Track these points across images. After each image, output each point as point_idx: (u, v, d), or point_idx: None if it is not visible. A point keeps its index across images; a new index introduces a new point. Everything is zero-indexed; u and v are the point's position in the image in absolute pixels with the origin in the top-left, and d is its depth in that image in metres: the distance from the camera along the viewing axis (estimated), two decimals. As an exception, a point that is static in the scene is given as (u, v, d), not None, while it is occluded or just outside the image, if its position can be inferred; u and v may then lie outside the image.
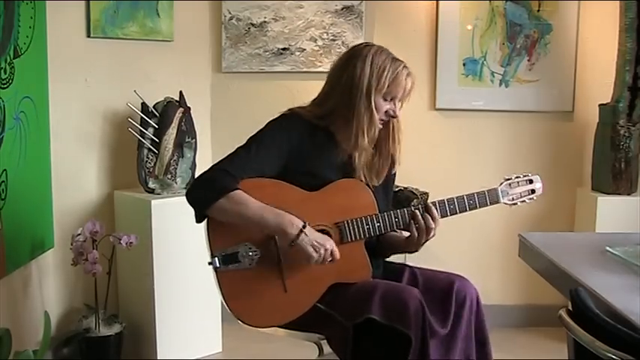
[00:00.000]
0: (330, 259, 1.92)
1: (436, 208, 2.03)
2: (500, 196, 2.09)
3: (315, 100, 2.10)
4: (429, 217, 2.02)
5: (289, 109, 2.08)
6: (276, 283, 1.95)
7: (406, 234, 2.09)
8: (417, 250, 2.09)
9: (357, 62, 2.00)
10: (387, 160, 2.12)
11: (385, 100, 2.01)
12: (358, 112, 1.99)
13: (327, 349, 2.06)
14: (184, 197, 1.97)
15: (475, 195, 2.07)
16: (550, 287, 1.74)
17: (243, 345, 3.18)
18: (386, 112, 2.03)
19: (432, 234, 2.03)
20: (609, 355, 1.19)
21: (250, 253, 1.93)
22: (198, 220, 1.95)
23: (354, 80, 1.99)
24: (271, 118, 2.05)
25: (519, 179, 2.13)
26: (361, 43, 2.13)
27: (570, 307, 1.38)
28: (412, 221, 2.02)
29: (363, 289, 1.94)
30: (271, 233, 1.92)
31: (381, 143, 2.10)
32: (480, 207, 2.07)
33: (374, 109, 1.99)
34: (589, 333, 1.27)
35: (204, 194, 1.90)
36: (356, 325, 1.88)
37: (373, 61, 2.00)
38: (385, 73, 1.99)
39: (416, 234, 2.02)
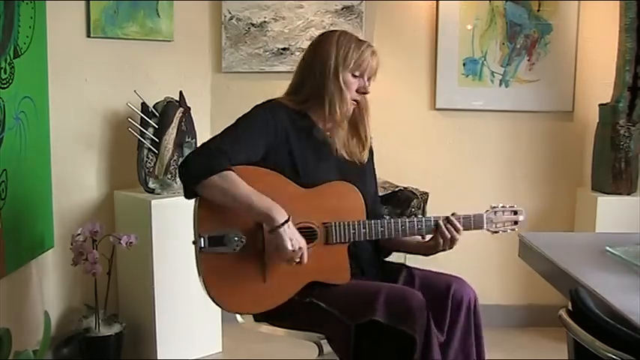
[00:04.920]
0: (298, 260, 1.94)
1: (422, 225, 2.08)
2: (485, 222, 2.14)
3: (288, 90, 2.18)
4: (453, 230, 2.07)
5: (269, 100, 2.15)
6: (257, 272, 1.97)
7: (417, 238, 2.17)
8: (432, 254, 2.16)
9: (323, 46, 2.12)
10: (362, 139, 2.20)
11: (355, 76, 2.10)
12: (329, 90, 2.08)
13: (327, 348, 2.07)
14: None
15: (461, 218, 2.11)
16: (550, 287, 1.74)
17: (243, 345, 3.18)
18: (357, 90, 2.11)
19: (455, 244, 2.10)
20: (609, 355, 1.19)
21: (236, 239, 1.96)
22: (189, 196, 1.97)
23: (322, 62, 2.09)
24: (256, 104, 2.12)
25: (505, 209, 2.18)
26: (327, 30, 2.23)
27: (570, 307, 1.38)
28: (437, 231, 2.08)
29: (367, 290, 1.94)
30: (256, 218, 1.94)
31: (356, 123, 2.19)
32: (463, 229, 2.11)
33: (342, 85, 2.08)
34: (589, 333, 1.27)
35: (198, 170, 1.92)
36: (358, 325, 1.89)
37: (339, 42, 2.10)
38: (351, 51, 2.09)
39: (441, 241, 2.08)
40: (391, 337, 1.85)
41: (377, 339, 1.88)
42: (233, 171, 1.93)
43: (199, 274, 1.98)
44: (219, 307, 2.03)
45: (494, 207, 2.17)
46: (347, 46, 2.09)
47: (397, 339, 1.84)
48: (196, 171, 1.93)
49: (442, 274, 2.13)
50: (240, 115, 2.07)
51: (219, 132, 2.03)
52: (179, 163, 2.03)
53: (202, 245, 1.95)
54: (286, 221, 1.90)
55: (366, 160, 2.21)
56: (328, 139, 2.14)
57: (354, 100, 2.12)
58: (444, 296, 2.01)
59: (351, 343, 1.89)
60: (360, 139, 2.19)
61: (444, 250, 2.11)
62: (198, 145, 3.11)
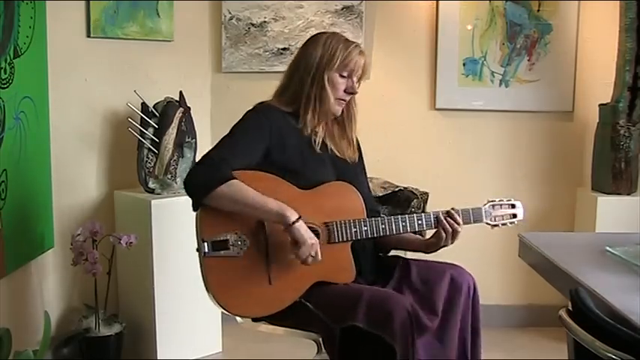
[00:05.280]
0: (313, 255, 1.94)
1: (423, 220, 2.09)
2: (484, 215, 2.16)
3: (276, 91, 2.20)
4: (454, 222, 2.08)
5: (259, 103, 2.17)
6: (262, 274, 1.98)
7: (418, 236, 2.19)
8: (433, 251, 2.16)
9: (310, 47, 2.14)
10: (350, 139, 2.22)
11: (342, 77, 2.11)
12: (312, 89, 2.10)
13: (327, 347, 2.07)
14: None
15: (460, 212, 2.12)
16: (550, 287, 1.74)
17: (243, 345, 3.18)
18: (345, 89, 2.12)
19: (456, 238, 2.10)
20: (609, 355, 1.19)
21: (240, 242, 1.96)
22: (196, 208, 1.98)
23: (307, 62, 2.12)
24: (247, 110, 2.14)
25: (502, 202, 2.20)
26: (317, 32, 2.23)
27: (570, 307, 1.38)
28: (439, 225, 2.09)
29: (350, 294, 1.95)
30: (269, 217, 1.95)
31: (344, 124, 2.21)
32: (463, 223, 2.12)
33: (326, 84, 2.09)
34: (589, 333, 1.27)
35: (204, 183, 1.94)
36: (344, 327, 1.89)
37: (325, 43, 2.12)
38: (337, 51, 2.10)
39: (443, 235, 2.09)
40: (376, 341, 1.85)
41: (364, 340, 1.88)
42: (236, 177, 1.94)
43: (205, 282, 1.97)
44: (228, 313, 2.01)
45: (491, 201, 2.19)
46: (334, 47, 2.11)
47: (382, 343, 1.84)
48: (202, 184, 1.94)
49: (439, 262, 2.14)
50: (235, 123, 2.09)
51: (217, 143, 2.05)
52: (184, 179, 2.04)
53: (206, 250, 1.95)
54: (299, 218, 1.92)
55: (356, 159, 2.23)
56: (320, 137, 2.15)
57: (342, 100, 2.13)
58: (439, 281, 2.02)
59: (336, 344, 1.89)
60: (348, 140, 2.22)
61: (445, 245, 2.11)
62: (198, 145, 3.14)
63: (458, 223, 2.09)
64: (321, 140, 2.15)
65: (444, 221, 2.08)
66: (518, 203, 2.22)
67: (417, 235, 2.20)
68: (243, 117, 2.11)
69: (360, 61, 2.12)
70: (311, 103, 2.10)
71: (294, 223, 1.91)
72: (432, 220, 2.10)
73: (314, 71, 2.10)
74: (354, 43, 2.15)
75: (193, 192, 1.97)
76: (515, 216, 2.21)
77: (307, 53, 2.13)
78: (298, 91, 2.13)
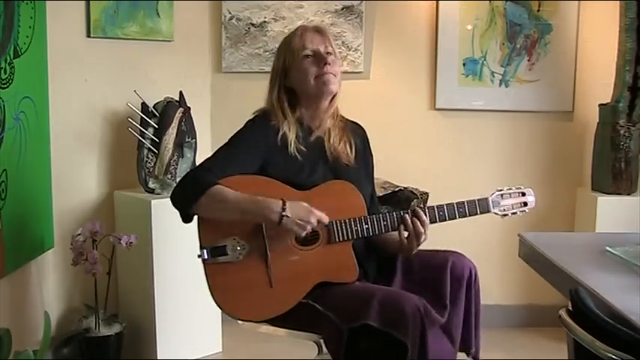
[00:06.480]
0: (319, 222, 1.95)
1: (425, 214, 2.05)
2: (491, 205, 2.12)
3: (267, 101, 2.19)
4: (418, 222, 2.04)
5: (261, 109, 2.16)
6: (263, 277, 1.98)
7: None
8: (410, 255, 2.10)
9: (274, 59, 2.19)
10: (346, 138, 2.17)
11: (306, 57, 2.09)
12: (280, 100, 2.12)
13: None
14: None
15: (465, 203, 2.09)
16: (550, 287, 1.74)
17: (243, 345, 3.18)
18: (318, 65, 2.09)
19: (422, 238, 2.05)
20: (609, 355, 1.19)
21: (238, 247, 1.97)
22: (185, 220, 2.01)
23: (274, 70, 2.16)
24: (248, 119, 2.14)
25: (511, 191, 2.15)
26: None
27: (570, 307, 1.38)
28: (402, 226, 2.05)
29: (362, 293, 1.94)
30: (254, 222, 1.96)
31: (337, 124, 2.17)
32: (469, 215, 2.10)
33: (280, 90, 2.12)
34: (589, 333, 1.27)
35: (186, 195, 1.97)
36: (352, 328, 1.89)
37: (281, 47, 2.17)
38: (286, 51, 2.12)
39: (405, 240, 2.05)
40: (385, 341, 1.85)
41: (372, 342, 1.88)
42: (220, 183, 1.94)
43: (208, 287, 1.99)
44: (233, 317, 2.02)
45: (500, 190, 2.14)
46: (284, 46, 2.15)
47: (391, 343, 1.84)
48: (183, 197, 1.97)
49: (440, 250, 2.13)
50: (234, 133, 2.09)
51: (213, 153, 2.06)
52: (170, 193, 2.07)
53: (205, 257, 1.97)
54: (283, 209, 1.91)
55: (352, 160, 2.17)
56: (317, 138, 2.14)
57: (322, 75, 2.08)
58: (443, 270, 2.01)
59: (344, 345, 1.89)
60: (344, 141, 2.17)
61: (411, 247, 2.06)
62: (198, 145, 3.14)
63: (423, 223, 2.03)
64: (326, 146, 2.12)
65: (408, 221, 2.04)
66: (528, 190, 2.17)
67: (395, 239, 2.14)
68: (242, 128, 2.10)
69: (310, 33, 2.12)
70: (288, 110, 2.11)
71: (280, 222, 1.91)
72: (397, 219, 2.05)
73: (276, 80, 2.13)
74: (297, 28, 2.16)
75: (177, 206, 2.01)
76: (525, 204, 2.16)
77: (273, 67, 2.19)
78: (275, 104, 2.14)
